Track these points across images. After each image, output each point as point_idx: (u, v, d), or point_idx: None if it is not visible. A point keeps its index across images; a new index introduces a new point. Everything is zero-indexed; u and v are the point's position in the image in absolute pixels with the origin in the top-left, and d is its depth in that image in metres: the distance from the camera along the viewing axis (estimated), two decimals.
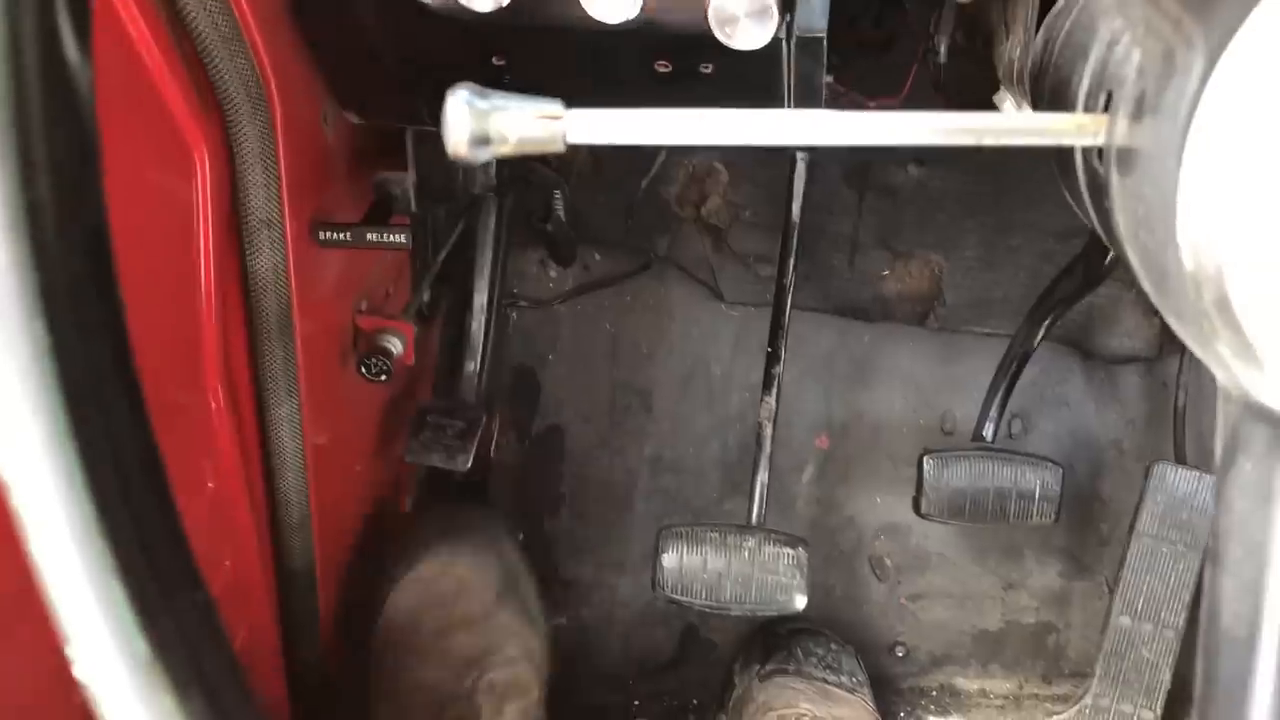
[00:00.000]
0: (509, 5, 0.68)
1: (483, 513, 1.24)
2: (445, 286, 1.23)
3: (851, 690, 1.28)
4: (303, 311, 0.88)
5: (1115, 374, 1.40)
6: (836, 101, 1.09)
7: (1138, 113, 0.34)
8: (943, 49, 1.09)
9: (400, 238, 0.87)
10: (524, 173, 1.25)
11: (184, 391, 0.83)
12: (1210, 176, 0.29)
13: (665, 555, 1.11)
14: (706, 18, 0.65)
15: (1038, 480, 1.22)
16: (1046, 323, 1.18)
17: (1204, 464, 1.30)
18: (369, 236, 0.87)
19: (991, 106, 0.90)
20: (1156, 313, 1.42)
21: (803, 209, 1.09)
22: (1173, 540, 1.23)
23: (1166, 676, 1.22)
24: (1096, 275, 1.14)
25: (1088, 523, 1.39)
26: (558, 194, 1.36)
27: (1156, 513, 1.24)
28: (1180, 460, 1.27)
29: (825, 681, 1.28)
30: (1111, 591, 1.27)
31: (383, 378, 0.98)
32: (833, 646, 1.33)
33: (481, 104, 0.38)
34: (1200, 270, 0.30)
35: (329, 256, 0.92)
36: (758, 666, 1.31)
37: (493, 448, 1.44)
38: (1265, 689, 0.32)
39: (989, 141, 0.38)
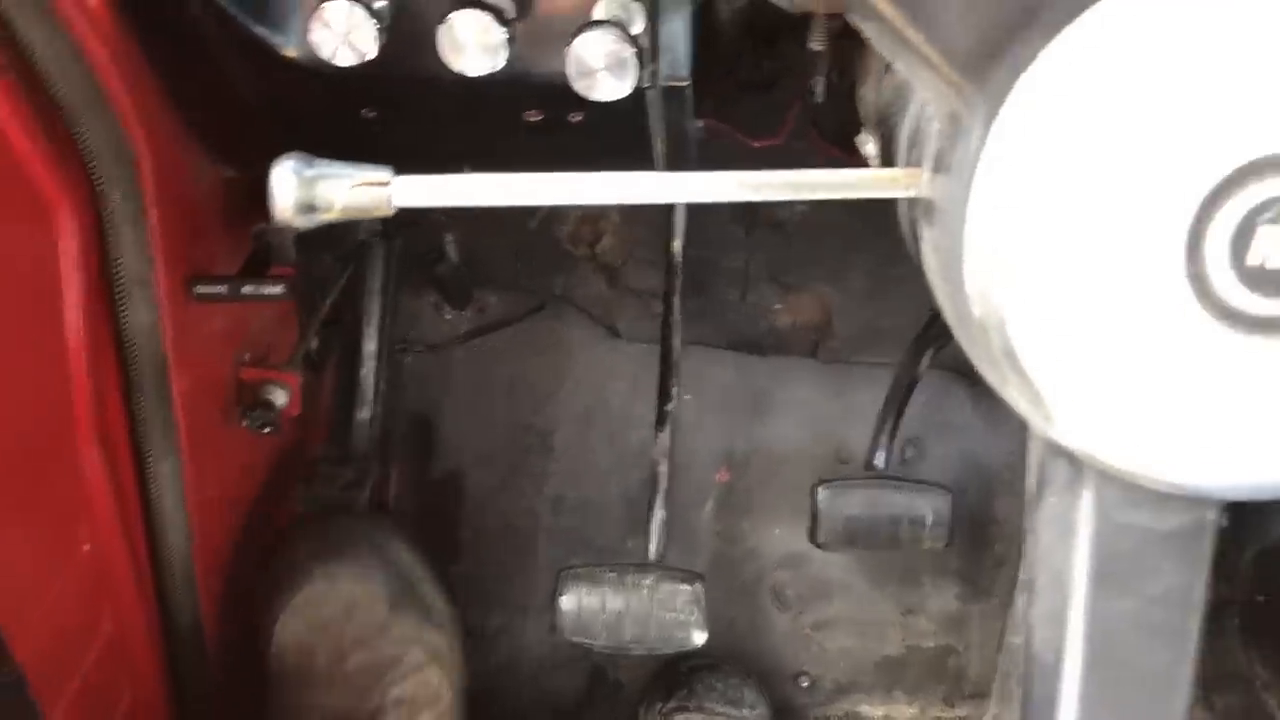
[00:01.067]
0: (374, 59, 0.69)
1: (363, 520, 1.17)
2: (335, 334, 1.22)
3: None
4: (180, 367, 0.87)
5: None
6: (716, 143, 1.11)
7: (936, 169, 0.35)
8: (819, 90, 1.12)
9: (277, 289, 0.86)
10: (414, 215, 1.25)
11: (56, 453, 0.81)
12: (989, 232, 0.31)
13: (564, 598, 1.11)
14: (566, 71, 0.66)
15: (929, 506, 1.25)
16: (930, 351, 1.21)
17: None
18: (245, 289, 0.86)
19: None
20: None
21: (687, 245, 1.10)
22: None
23: None
24: None
25: (983, 545, 1.42)
26: (449, 236, 1.36)
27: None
28: None
29: (727, 716, 1.28)
30: (1007, 614, 1.29)
31: (268, 430, 0.97)
32: (734, 680, 1.34)
33: (308, 172, 0.38)
34: (987, 319, 0.31)
35: (207, 310, 0.91)
36: (660, 705, 1.31)
37: (390, 496, 1.42)
38: (1069, 711, 0.33)
39: (820, 195, 0.40)
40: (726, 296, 1.39)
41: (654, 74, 0.73)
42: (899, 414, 1.23)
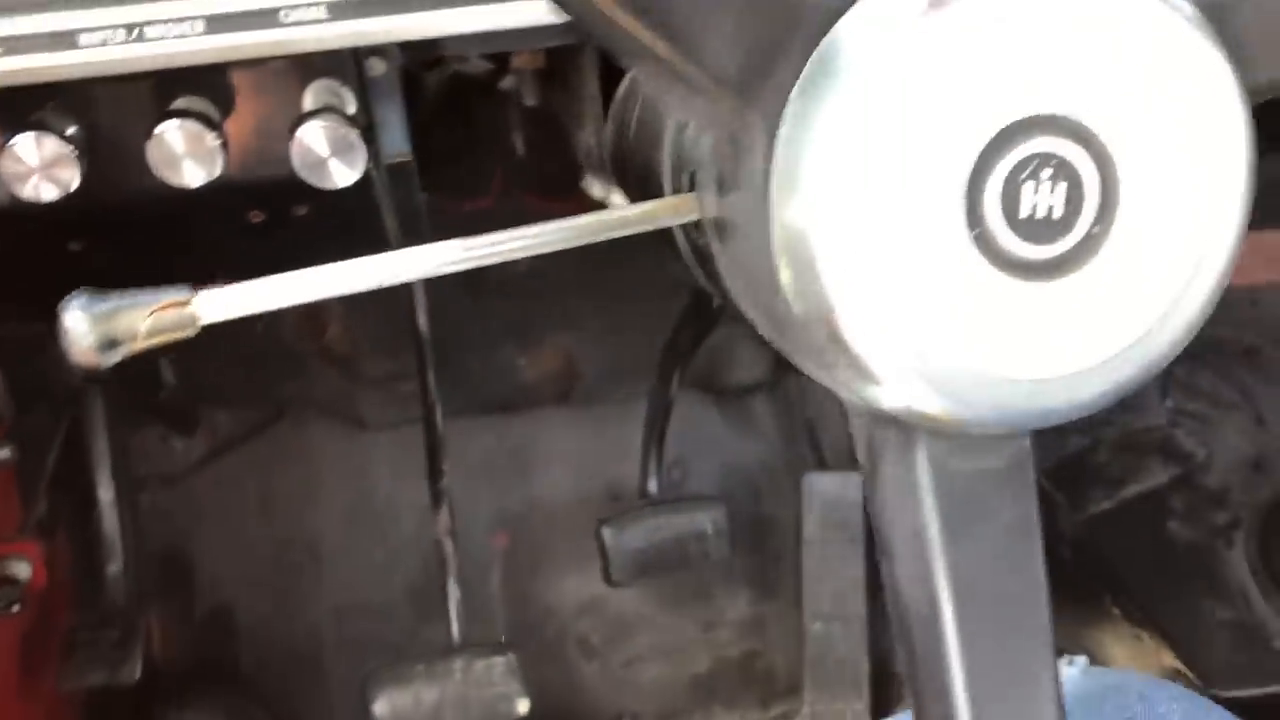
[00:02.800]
0: (78, 189, 0.64)
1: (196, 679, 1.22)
2: (58, 491, 1.12)
3: None
4: None
5: (746, 404, 1.51)
6: (437, 215, 1.11)
7: (722, 190, 0.37)
8: (519, 145, 1.14)
9: (4, 452, 0.78)
10: None
11: None
12: (795, 235, 0.33)
13: (377, 704, 1.06)
14: (292, 166, 0.64)
15: (707, 519, 1.28)
16: (677, 374, 1.25)
17: (841, 464, 1.43)
18: None
19: (581, 194, 0.95)
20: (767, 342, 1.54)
21: (429, 321, 1.09)
22: (837, 540, 1.33)
23: (865, 665, 1.32)
24: (710, 320, 1.23)
25: (761, 545, 1.48)
26: (162, 360, 1.28)
27: (816, 519, 1.34)
28: (822, 466, 1.39)
29: None
30: (798, 603, 1.35)
31: (15, 608, 0.88)
32: None
33: (100, 307, 0.36)
34: (808, 314, 0.33)
35: None
36: None
37: (153, 649, 1.32)
38: (955, 651, 0.36)
39: (603, 236, 0.41)
40: (469, 364, 1.38)
41: (375, 154, 0.72)
42: (661, 438, 1.26)
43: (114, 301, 0.37)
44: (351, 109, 0.68)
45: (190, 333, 0.38)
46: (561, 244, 0.41)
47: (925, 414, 0.34)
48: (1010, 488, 0.37)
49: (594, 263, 1.50)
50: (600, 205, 0.75)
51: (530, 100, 0.82)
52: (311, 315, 1.37)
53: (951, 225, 0.32)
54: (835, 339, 0.33)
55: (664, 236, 0.52)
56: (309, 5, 0.57)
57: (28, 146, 0.63)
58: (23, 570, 0.90)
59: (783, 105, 0.33)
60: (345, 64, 0.68)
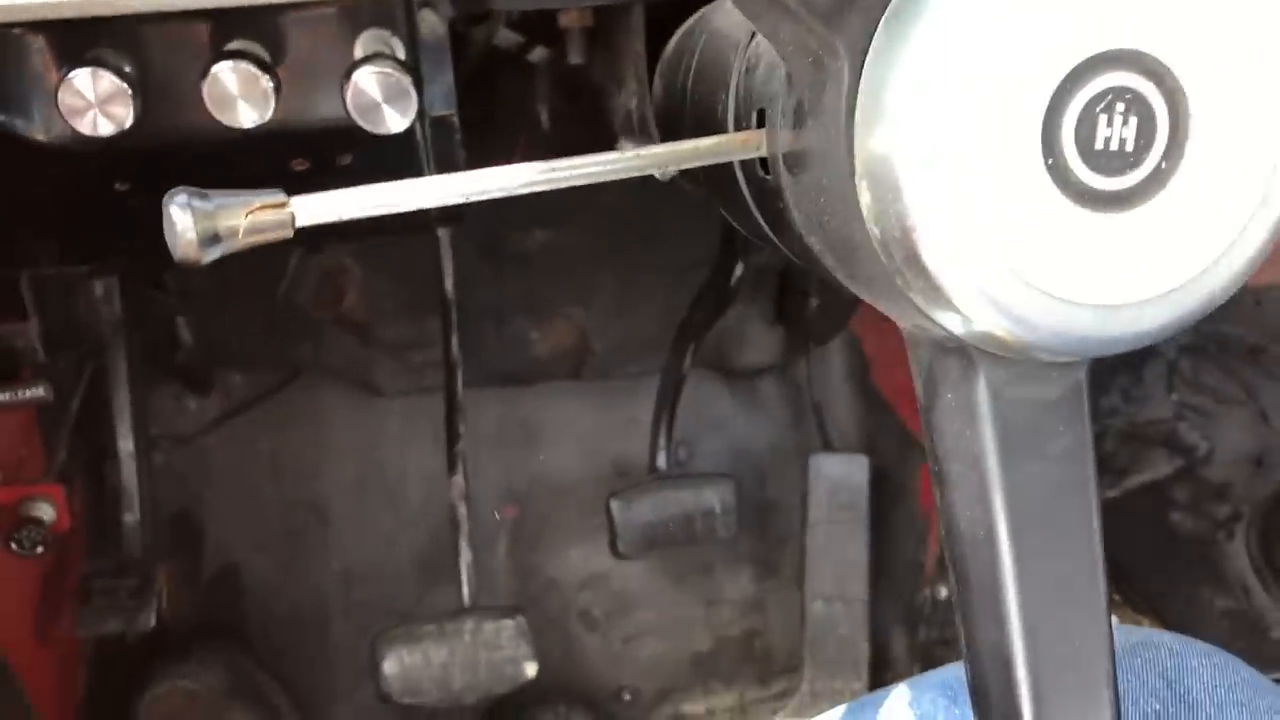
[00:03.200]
0: (131, 126, 0.65)
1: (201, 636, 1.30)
2: (78, 440, 1.13)
3: None
4: None
5: (755, 385, 1.52)
6: None
7: (799, 120, 0.39)
8: (544, 117, 1.15)
9: (39, 390, 0.79)
10: (142, 303, 1.18)
11: None
12: (878, 159, 0.34)
13: (386, 662, 1.07)
14: (346, 109, 0.65)
15: (715, 496, 1.30)
16: (691, 349, 1.27)
17: (848, 448, 1.44)
18: (0, 398, 0.79)
19: None
20: (779, 323, 1.55)
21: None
22: (841, 520, 1.35)
23: (865, 646, 1.34)
24: (726, 297, 1.24)
25: (764, 526, 1.49)
26: (181, 320, 1.29)
27: (821, 500, 1.36)
28: (828, 448, 1.40)
29: None
30: (801, 583, 1.37)
31: (39, 550, 0.89)
32: (561, 709, 1.34)
33: (204, 205, 0.37)
34: (886, 236, 0.35)
35: None
36: None
37: (162, 604, 1.32)
38: (1010, 573, 0.38)
39: (674, 167, 0.42)
40: (483, 334, 1.39)
41: (421, 108, 0.73)
42: (672, 413, 1.28)
43: (216, 199, 0.38)
44: (402, 59, 0.69)
45: (286, 234, 0.39)
46: (636, 170, 0.43)
47: (992, 336, 0.35)
48: (1066, 417, 0.38)
49: (612, 241, 1.52)
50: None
51: (576, 58, 0.83)
52: (330, 282, 1.38)
53: (1028, 154, 0.33)
54: (912, 260, 0.34)
55: (726, 192, 0.53)
56: None
57: (85, 81, 0.64)
58: (47, 512, 0.91)
59: (870, 34, 0.34)
60: (397, 14, 0.69)
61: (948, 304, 0.35)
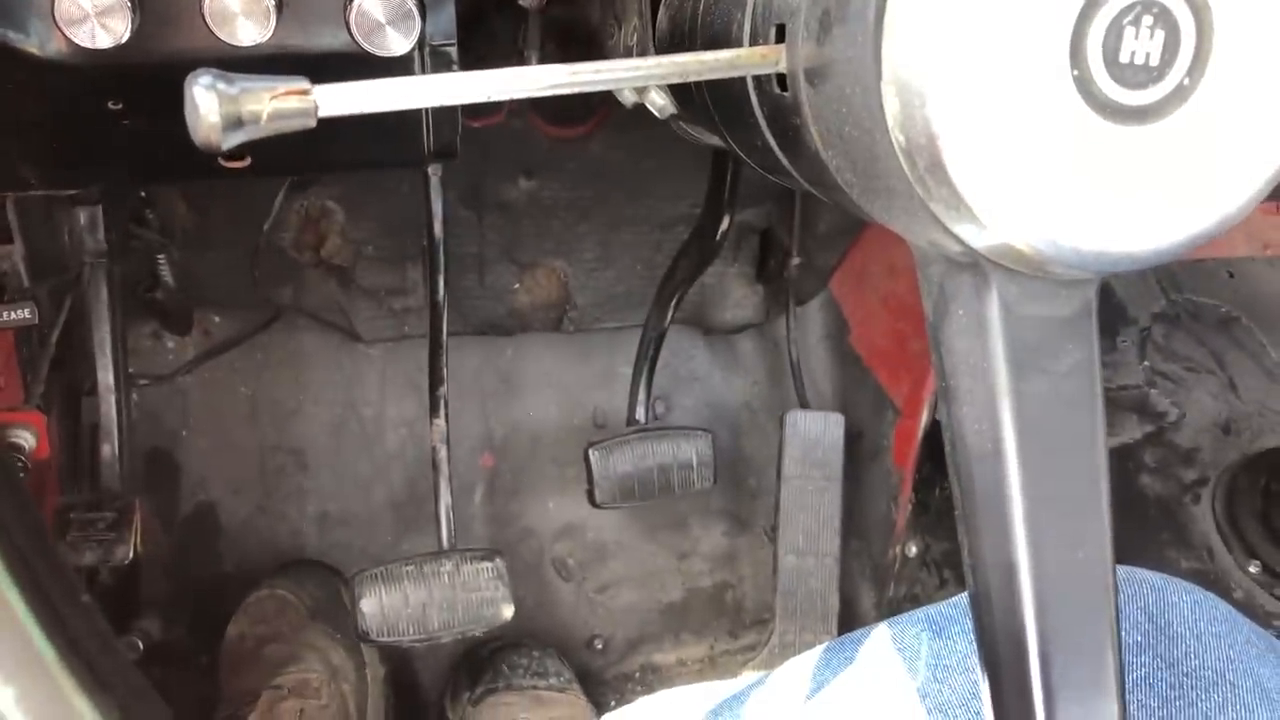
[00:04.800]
0: (129, 40, 0.64)
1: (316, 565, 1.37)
2: (55, 373, 1.12)
3: (562, 690, 1.30)
4: None
5: (733, 343, 1.53)
6: None
7: (824, 30, 0.39)
8: (534, 62, 1.14)
9: (25, 312, 0.78)
10: (122, 239, 1.16)
11: None
12: (906, 65, 0.35)
13: (364, 601, 1.07)
14: (349, 29, 0.65)
15: (693, 449, 1.31)
16: (674, 303, 1.27)
17: (823, 405, 1.45)
18: None
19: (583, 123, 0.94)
20: (760, 282, 1.55)
21: (420, 234, 1.09)
22: (814, 477, 1.36)
23: (835, 600, 1.35)
24: (710, 252, 1.25)
25: (738, 481, 1.51)
26: (161, 258, 1.28)
27: (796, 456, 1.37)
28: (804, 406, 1.42)
29: (535, 688, 1.29)
30: (773, 538, 1.38)
31: (20, 476, 0.88)
32: (535, 653, 1.35)
33: (228, 88, 0.37)
34: (911, 143, 0.35)
35: None
36: (468, 694, 1.30)
37: (137, 541, 1.32)
38: (1016, 484, 0.38)
39: (694, 78, 0.43)
40: (465, 282, 1.39)
41: (421, 36, 0.73)
42: (653, 367, 1.28)
43: (240, 83, 0.37)
44: None
45: (309, 123, 0.39)
46: (656, 80, 0.43)
47: (1010, 248, 0.36)
48: (1075, 334, 0.39)
49: (595, 194, 1.51)
50: (633, 111, 0.75)
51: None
52: (312, 223, 1.37)
53: (1055, 63, 0.34)
54: (935, 167, 0.35)
55: (735, 114, 0.53)
56: None
57: None
58: (28, 439, 0.90)
59: None
60: None
61: (969, 214, 0.35)
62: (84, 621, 0.26)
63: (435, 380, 1.11)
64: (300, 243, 1.36)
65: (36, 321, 0.80)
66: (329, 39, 0.68)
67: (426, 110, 0.80)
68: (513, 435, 1.45)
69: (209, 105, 0.37)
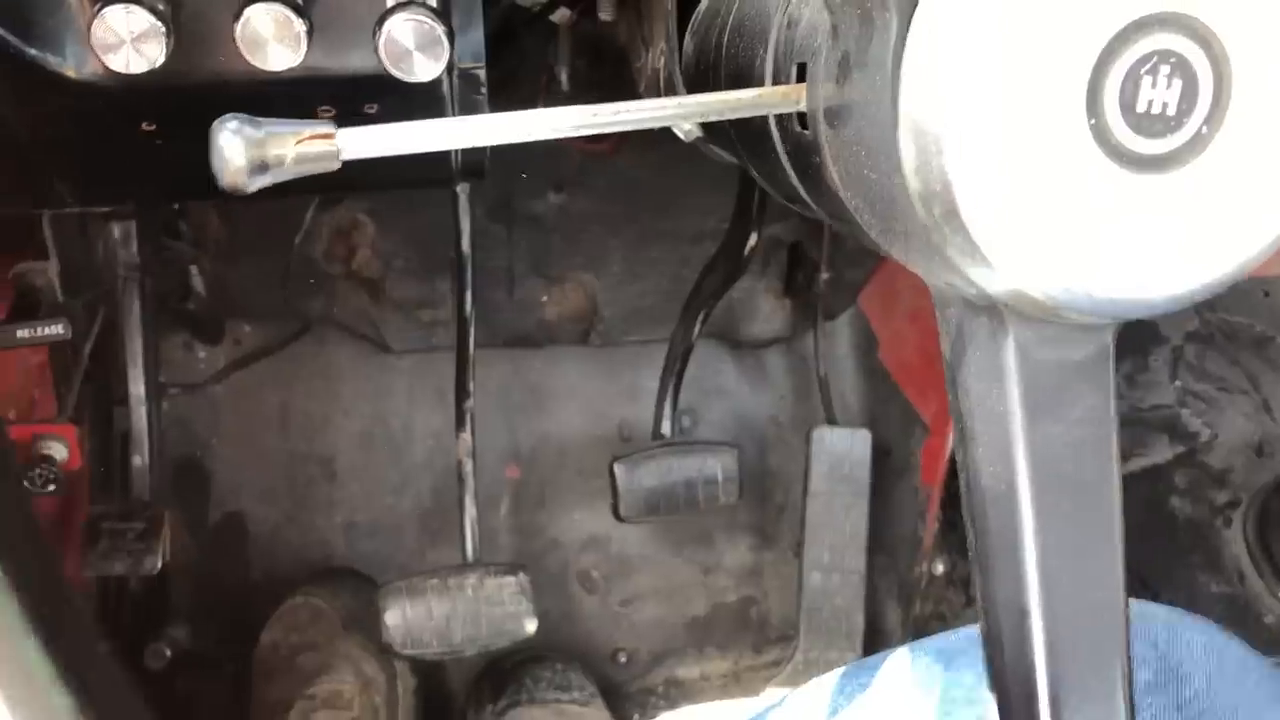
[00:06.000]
0: (163, 65, 0.65)
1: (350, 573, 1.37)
2: (87, 384, 1.14)
3: (585, 704, 1.31)
4: None
5: (761, 357, 1.53)
6: None
7: (843, 73, 0.39)
8: (564, 78, 1.15)
9: (57, 328, 0.80)
10: (155, 250, 1.18)
11: None
12: (923, 112, 0.35)
13: (389, 613, 1.08)
14: (379, 55, 0.66)
15: (718, 464, 1.31)
16: (700, 318, 1.27)
17: (850, 421, 1.45)
18: (20, 334, 0.80)
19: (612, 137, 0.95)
20: (788, 296, 1.55)
21: (451, 248, 1.10)
22: (841, 493, 1.36)
23: (860, 617, 1.35)
24: (738, 268, 1.25)
25: (764, 496, 1.50)
26: (194, 269, 1.30)
27: (823, 472, 1.36)
28: (831, 422, 1.41)
29: (559, 702, 1.30)
30: (799, 553, 1.38)
31: (51, 488, 0.90)
32: (558, 667, 1.35)
33: (254, 132, 0.37)
34: (926, 189, 0.35)
35: None
36: (491, 706, 1.30)
37: (166, 551, 1.33)
38: (1029, 528, 0.38)
39: (715, 117, 0.43)
40: (494, 295, 1.40)
41: (450, 60, 0.73)
42: (679, 381, 1.28)
43: (266, 127, 0.38)
44: (434, 6, 0.69)
45: (333, 165, 0.39)
46: (678, 119, 0.43)
47: (1025, 295, 0.36)
48: (1091, 380, 0.39)
49: (624, 208, 1.52)
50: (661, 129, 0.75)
51: (606, 15, 0.83)
52: (342, 236, 1.38)
53: (1072, 112, 0.34)
54: (951, 214, 0.35)
55: (759, 149, 0.53)
56: None
57: (119, 17, 0.64)
58: (59, 451, 0.91)
59: None
60: None
61: (983, 260, 0.35)
62: (73, 626, 0.27)
63: (462, 394, 1.11)
64: (331, 255, 1.38)
65: (69, 337, 0.81)
66: (358, 63, 0.69)
67: None
68: (539, 447, 1.46)
69: (235, 150, 0.38)
